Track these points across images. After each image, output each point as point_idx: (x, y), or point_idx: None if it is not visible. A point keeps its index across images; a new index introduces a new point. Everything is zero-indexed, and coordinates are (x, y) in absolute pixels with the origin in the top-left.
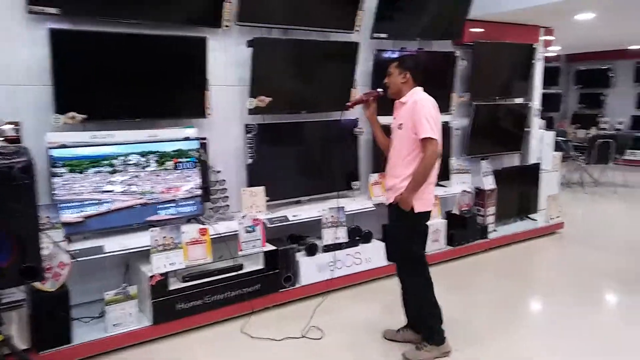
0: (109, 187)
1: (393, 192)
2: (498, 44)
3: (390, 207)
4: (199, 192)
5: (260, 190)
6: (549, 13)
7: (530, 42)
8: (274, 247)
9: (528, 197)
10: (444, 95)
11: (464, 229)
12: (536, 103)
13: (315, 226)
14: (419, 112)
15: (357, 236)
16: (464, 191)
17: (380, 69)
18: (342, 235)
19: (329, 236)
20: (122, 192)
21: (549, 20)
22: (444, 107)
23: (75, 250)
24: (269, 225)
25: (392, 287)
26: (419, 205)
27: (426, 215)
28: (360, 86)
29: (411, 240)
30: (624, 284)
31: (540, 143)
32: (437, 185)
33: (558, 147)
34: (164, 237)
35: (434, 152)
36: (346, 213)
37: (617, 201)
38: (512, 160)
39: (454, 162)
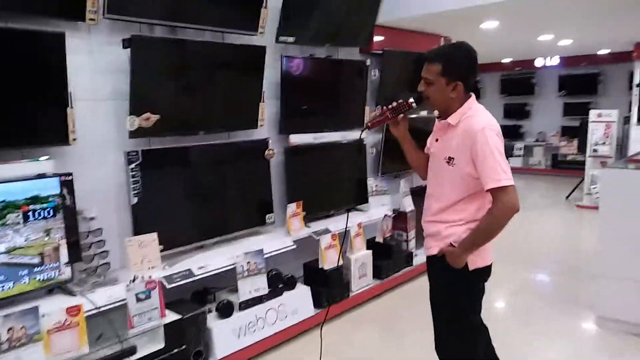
0: None
1: (436, 240)
2: (407, 52)
3: (431, 260)
4: (64, 249)
5: (151, 238)
6: (456, 20)
7: None
8: (177, 316)
9: None
10: (356, 109)
11: (390, 259)
12: None
13: (223, 275)
14: (484, 148)
15: (280, 283)
16: (387, 215)
17: (289, 79)
18: (262, 285)
19: (247, 288)
20: None
21: (457, 29)
22: (359, 123)
23: None
24: (168, 286)
25: (326, 339)
26: (478, 259)
27: (486, 271)
28: (271, 99)
29: (465, 304)
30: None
31: None
32: (356, 210)
33: None
34: (10, 328)
35: (513, 204)
36: (265, 256)
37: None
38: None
39: (372, 182)
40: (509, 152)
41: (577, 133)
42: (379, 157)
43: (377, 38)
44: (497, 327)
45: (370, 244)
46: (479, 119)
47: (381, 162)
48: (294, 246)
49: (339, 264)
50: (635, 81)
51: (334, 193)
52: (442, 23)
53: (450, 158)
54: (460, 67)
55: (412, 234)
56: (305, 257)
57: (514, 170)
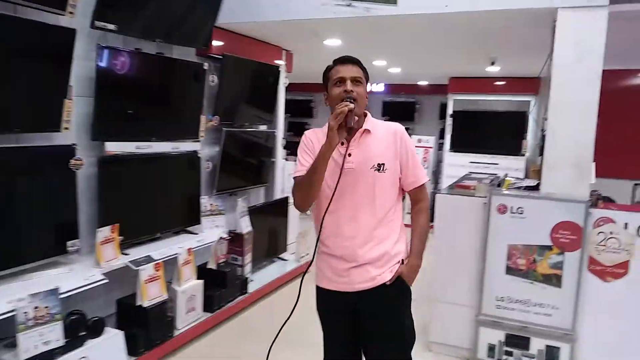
0: None
1: (383, 264)
2: (249, 61)
3: (377, 290)
4: None
5: None
6: (300, 33)
7: (275, 63)
8: None
9: (278, 236)
10: (192, 117)
11: (224, 287)
12: (280, 131)
13: (3, 325)
14: (411, 145)
15: (82, 330)
16: (222, 238)
17: (107, 74)
18: (54, 336)
19: (31, 342)
20: None
21: (302, 43)
22: (193, 133)
23: None
24: None
25: None
26: None
27: None
28: (83, 97)
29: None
30: None
31: (283, 174)
32: (186, 232)
33: None
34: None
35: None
36: (62, 296)
37: None
38: (259, 194)
39: (206, 201)
40: None
41: None
42: (215, 172)
43: (217, 42)
44: None
45: (202, 271)
46: (390, 123)
47: (217, 178)
48: (105, 280)
49: (162, 298)
50: (449, 111)
51: (160, 213)
52: (287, 34)
53: (379, 165)
54: (367, 74)
55: (248, 257)
56: (121, 292)
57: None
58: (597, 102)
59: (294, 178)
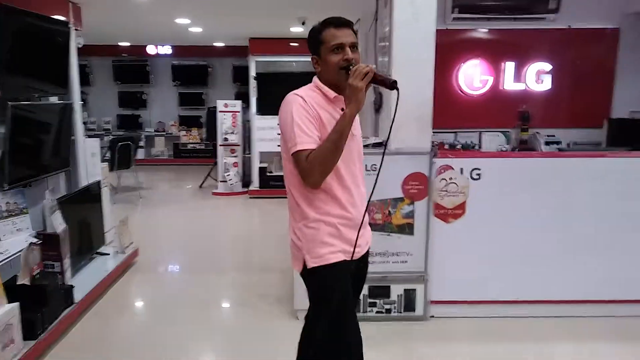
0: None
1: (367, 231)
2: (29, 13)
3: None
4: None
5: None
6: None
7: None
8: None
9: (92, 228)
10: None
11: (45, 305)
12: (77, 102)
13: None
14: None
15: None
16: (32, 244)
17: None
18: None
19: None
20: None
21: None
22: None
23: None
24: None
25: None
26: None
27: None
28: None
29: None
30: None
31: (85, 154)
32: None
33: None
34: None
35: None
36: None
37: (148, 206)
38: (59, 181)
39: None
40: (137, 143)
41: (206, 122)
42: (4, 160)
43: None
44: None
45: (12, 290)
46: None
47: (7, 169)
48: None
49: None
50: (252, 74)
51: None
52: None
53: (354, 134)
54: None
55: (67, 261)
56: None
57: (138, 162)
58: (433, 60)
59: (301, 151)
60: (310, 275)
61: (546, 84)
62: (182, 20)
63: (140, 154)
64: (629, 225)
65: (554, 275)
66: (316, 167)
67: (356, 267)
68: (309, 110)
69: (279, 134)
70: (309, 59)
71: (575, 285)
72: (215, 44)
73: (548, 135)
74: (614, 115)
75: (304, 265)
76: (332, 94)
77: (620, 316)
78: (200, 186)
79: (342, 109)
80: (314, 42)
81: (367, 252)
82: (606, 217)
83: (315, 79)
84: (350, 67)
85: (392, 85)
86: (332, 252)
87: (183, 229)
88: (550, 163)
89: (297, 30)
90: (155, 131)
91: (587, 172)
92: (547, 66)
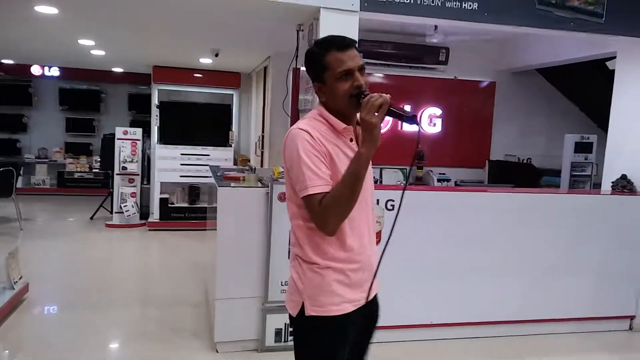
0: None
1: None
2: None
3: (367, 306)
4: None
5: None
6: None
7: None
8: None
9: None
10: None
11: None
12: None
13: None
14: None
15: None
16: None
17: None
18: None
19: None
20: None
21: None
22: None
23: None
24: None
25: None
26: None
27: None
28: None
29: None
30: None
31: None
32: None
33: None
34: None
35: None
36: None
37: (32, 238)
38: None
39: None
40: (20, 170)
41: (100, 150)
42: None
43: None
44: None
45: None
46: None
47: None
48: None
49: None
50: (154, 102)
51: None
52: None
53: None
54: None
55: None
56: None
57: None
58: None
59: (313, 195)
60: (306, 324)
61: (437, 127)
62: (85, 42)
63: (18, 183)
64: (515, 251)
65: (457, 298)
66: (331, 214)
67: (365, 313)
68: (316, 147)
69: (282, 173)
70: (215, 91)
71: (471, 308)
72: (113, 69)
73: (440, 173)
74: (492, 157)
75: (301, 311)
76: (340, 125)
77: (510, 336)
78: (92, 218)
79: (351, 139)
80: (315, 68)
81: (376, 296)
82: (495, 244)
83: (320, 107)
84: (362, 94)
85: (412, 119)
86: (336, 304)
87: (77, 262)
88: (454, 196)
89: (207, 61)
90: (36, 158)
91: (475, 204)
92: (438, 111)
